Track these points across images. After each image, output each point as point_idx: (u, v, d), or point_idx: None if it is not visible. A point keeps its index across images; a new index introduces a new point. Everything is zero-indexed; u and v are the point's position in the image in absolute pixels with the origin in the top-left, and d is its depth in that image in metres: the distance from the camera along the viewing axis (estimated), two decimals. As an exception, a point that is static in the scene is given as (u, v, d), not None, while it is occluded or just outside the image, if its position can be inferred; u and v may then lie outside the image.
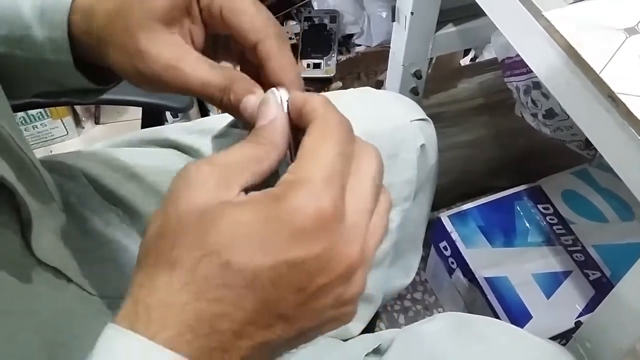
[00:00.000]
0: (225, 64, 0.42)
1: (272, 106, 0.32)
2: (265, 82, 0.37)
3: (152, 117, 0.77)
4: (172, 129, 0.66)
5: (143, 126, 0.78)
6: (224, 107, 0.37)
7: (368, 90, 0.77)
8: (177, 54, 0.37)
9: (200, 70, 0.36)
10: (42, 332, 0.39)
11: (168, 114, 1.20)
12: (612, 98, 0.48)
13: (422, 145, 0.71)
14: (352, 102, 0.73)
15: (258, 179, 0.30)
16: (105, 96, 0.75)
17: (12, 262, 0.37)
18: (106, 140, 0.67)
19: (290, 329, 0.29)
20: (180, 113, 1.07)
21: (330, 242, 0.28)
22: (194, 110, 1.35)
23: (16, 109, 1.02)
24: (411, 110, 0.74)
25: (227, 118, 0.72)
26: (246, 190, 0.29)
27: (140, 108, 0.83)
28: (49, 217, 0.43)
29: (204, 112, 1.41)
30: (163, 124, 0.79)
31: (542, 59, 0.57)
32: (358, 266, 0.29)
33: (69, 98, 0.46)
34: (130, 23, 0.36)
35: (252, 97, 0.36)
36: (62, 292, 0.42)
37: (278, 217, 0.27)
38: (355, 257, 0.29)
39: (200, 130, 0.65)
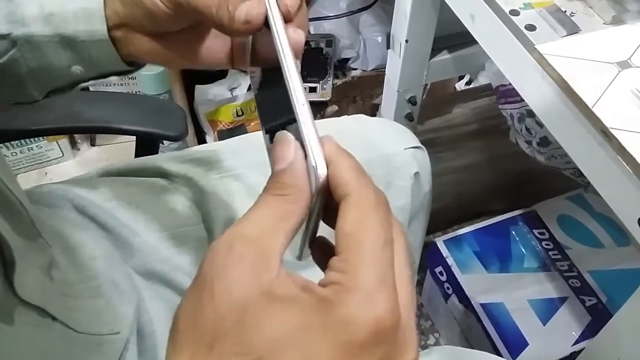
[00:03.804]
0: None
1: (289, 146, 0.29)
2: None
3: (147, 144, 0.77)
4: (164, 158, 0.66)
5: (137, 153, 0.78)
6: (219, 20, 0.35)
7: (362, 118, 0.77)
8: None
9: None
10: None
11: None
12: (604, 133, 0.48)
13: (416, 173, 0.71)
14: (346, 130, 0.72)
15: (293, 237, 0.28)
16: (102, 125, 0.76)
17: None
18: (99, 169, 0.67)
19: None
20: (174, 142, 1.07)
21: (388, 351, 0.26)
22: (191, 137, 1.35)
23: (15, 137, 1.01)
24: (405, 138, 0.74)
25: (220, 146, 0.71)
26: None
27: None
28: (35, 253, 0.42)
29: (201, 139, 1.41)
30: (157, 151, 0.79)
31: (535, 91, 0.57)
32: None
33: (88, 82, 0.44)
34: None
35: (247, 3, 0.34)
36: (46, 331, 0.42)
37: (330, 326, 0.25)
38: None
39: (192, 159, 0.65)
